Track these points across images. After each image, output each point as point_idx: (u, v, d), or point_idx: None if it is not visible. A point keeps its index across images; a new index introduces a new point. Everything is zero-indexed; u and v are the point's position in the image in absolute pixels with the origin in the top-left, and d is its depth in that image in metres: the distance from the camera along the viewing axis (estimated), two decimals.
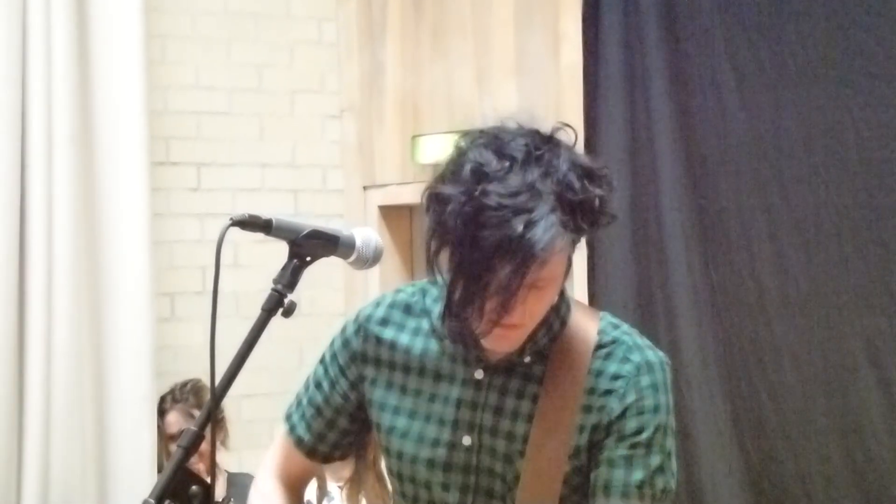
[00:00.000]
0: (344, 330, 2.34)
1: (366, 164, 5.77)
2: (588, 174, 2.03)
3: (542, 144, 2.02)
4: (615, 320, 2.24)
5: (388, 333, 2.28)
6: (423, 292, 2.28)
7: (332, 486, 4.85)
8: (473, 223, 1.95)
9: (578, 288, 4.39)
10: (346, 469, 4.78)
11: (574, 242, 2.04)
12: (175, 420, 5.00)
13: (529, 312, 2.06)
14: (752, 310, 3.90)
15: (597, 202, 2.02)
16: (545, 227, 1.94)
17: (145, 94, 5.05)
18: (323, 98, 5.85)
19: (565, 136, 2.07)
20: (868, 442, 3.65)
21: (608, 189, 2.05)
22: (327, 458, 2.41)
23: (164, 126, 5.38)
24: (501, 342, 2.10)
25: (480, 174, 1.97)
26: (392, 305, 2.30)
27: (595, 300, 4.30)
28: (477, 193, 1.95)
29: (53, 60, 4.81)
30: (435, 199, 2.01)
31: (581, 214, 2.00)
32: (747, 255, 3.91)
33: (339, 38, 5.88)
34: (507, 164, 1.98)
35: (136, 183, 4.98)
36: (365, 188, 5.77)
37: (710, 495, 3.99)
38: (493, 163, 1.98)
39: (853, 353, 3.68)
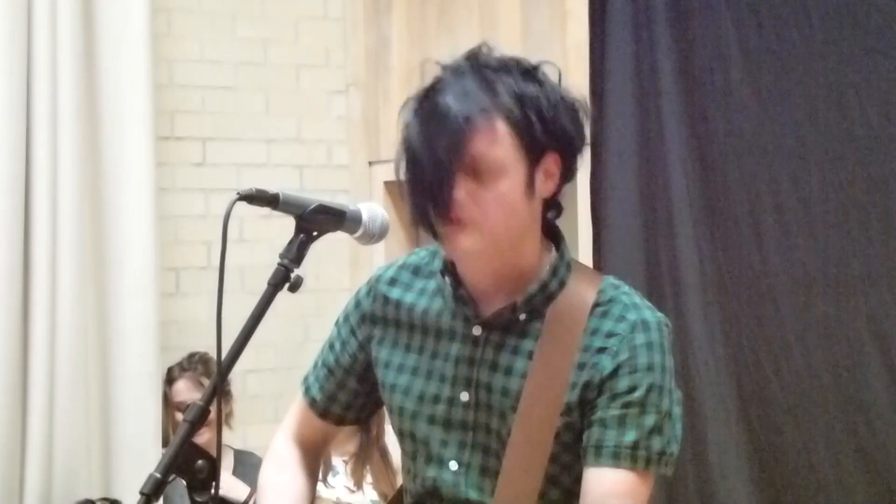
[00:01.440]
0: (358, 292, 2.38)
1: (371, 140, 5.77)
2: (550, 87, 2.12)
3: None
4: (616, 281, 2.26)
5: (395, 293, 2.31)
6: (434, 255, 2.31)
7: (337, 462, 4.86)
8: (419, 112, 2.07)
9: (584, 258, 4.39)
10: (350, 444, 4.80)
11: (527, 145, 2.07)
12: (184, 388, 5.01)
13: (471, 207, 2.07)
14: (759, 287, 3.90)
15: (545, 101, 2.08)
16: (477, 101, 2.05)
17: (150, 67, 5.04)
18: (328, 73, 5.84)
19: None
20: (872, 418, 3.65)
21: (569, 108, 2.12)
22: (340, 420, 2.44)
23: (168, 100, 5.37)
24: (452, 243, 2.12)
25: (439, 78, 2.12)
26: (402, 266, 2.35)
27: (602, 273, 4.30)
28: (431, 90, 2.09)
29: (58, 33, 4.80)
30: (400, 111, 2.13)
31: (530, 110, 2.06)
32: (754, 233, 3.91)
33: (345, 13, 5.86)
34: (468, 65, 2.13)
35: (140, 157, 4.98)
36: (370, 164, 5.76)
37: (715, 470, 3.99)
38: (456, 68, 2.13)
39: (858, 331, 3.68)
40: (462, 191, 2.06)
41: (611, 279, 2.26)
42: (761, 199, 3.89)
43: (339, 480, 4.86)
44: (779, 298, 3.86)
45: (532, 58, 2.18)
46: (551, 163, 2.12)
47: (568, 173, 2.17)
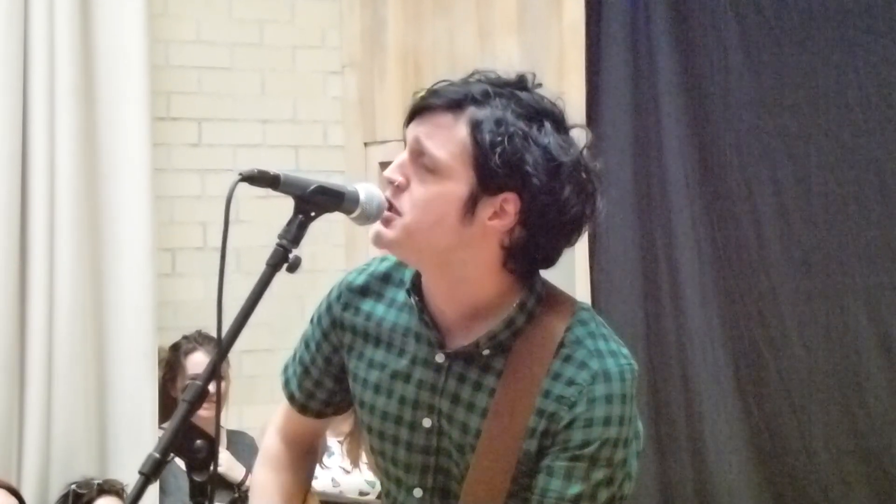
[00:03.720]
0: (330, 293, 2.35)
1: (367, 121, 5.76)
2: (555, 142, 2.06)
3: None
4: (586, 315, 2.16)
5: (366, 304, 2.28)
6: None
7: (332, 442, 4.87)
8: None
9: (579, 248, 4.39)
10: (345, 424, 4.81)
11: (480, 167, 2.03)
12: (204, 359, 4.94)
13: (406, 178, 2.08)
14: (755, 266, 3.91)
15: (526, 143, 2.03)
16: (457, 95, 2.06)
17: (147, 48, 5.03)
18: (324, 53, 5.83)
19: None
20: (867, 398, 3.67)
21: (541, 149, 2.05)
22: (320, 415, 2.42)
23: (165, 81, 5.37)
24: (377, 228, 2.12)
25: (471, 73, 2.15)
26: (373, 274, 2.30)
27: (597, 256, 4.30)
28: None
29: (55, 14, 4.79)
30: None
31: (501, 137, 2.02)
32: (750, 211, 3.91)
33: None
34: (492, 77, 2.12)
35: (137, 138, 4.97)
36: (366, 144, 5.76)
37: (712, 450, 4.01)
38: (484, 74, 2.14)
39: (854, 309, 3.69)
40: (404, 159, 2.09)
41: (583, 312, 2.16)
42: (759, 178, 3.90)
43: (334, 461, 4.87)
44: (776, 281, 3.86)
45: (560, 105, 2.13)
46: (508, 202, 2.05)
47: (529, 224, 2.07)
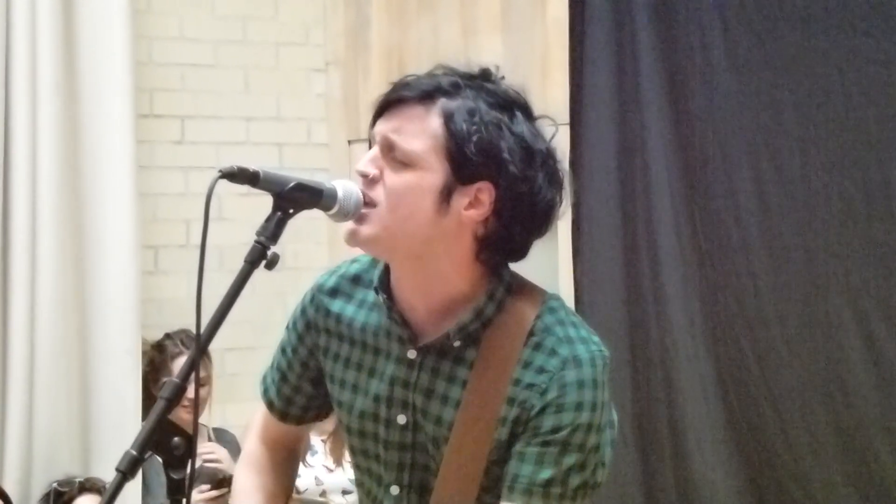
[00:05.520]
0: (304, 297, 2.35)
1: (351, 118, 5.76)
2: (525, 130, 2.08)
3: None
4: (556, 304, 2.16)
5: (336, 305, 2.28)
6: (375, 263, 2.26)
7: (316, 440, 4.87)
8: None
9: (563, 244, 4.40)
10: (329, 423, 4.80)
11: (453, 157, 2.04)
12: None
13: (380, 170, 2.08)
14: (738, 265, 3.91)
15: (499, 131, 2.05)
16: (428, 88, 2.07)
17: (130, 44, 5.02)
18: (308, 51, 5.82)
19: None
20: (852, 398, 3.67)
21: (528, 152, 2.07)
22: (300, 420, 2.43)
23: (148, 78, 5.35)
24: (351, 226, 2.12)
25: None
26: (343, 276, 2.31)
27: (580, 256, 4.30)
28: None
29: (37, 9, 4.77)
30: None
31: (474, 126, 2.04)
32: (733, 210, 3.92)
33: None
34: (458, 70, 2.14)
35: (120, 135, 4.96)
36: (350, 142, 5.76)
37: (694, 453, 4.01)
38: (448, 68, 2.16)
39: (838, 310, 3.69)
40: (375, 151, 2.09)
41: (552, 301, 2.16)
42: (742, 179, 3.90)
43: (317, 459, 4.86)
44: (758, 277, 3.87)
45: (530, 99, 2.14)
46: (483, 191, 2.06)
47: (504, 213, 2.08)
